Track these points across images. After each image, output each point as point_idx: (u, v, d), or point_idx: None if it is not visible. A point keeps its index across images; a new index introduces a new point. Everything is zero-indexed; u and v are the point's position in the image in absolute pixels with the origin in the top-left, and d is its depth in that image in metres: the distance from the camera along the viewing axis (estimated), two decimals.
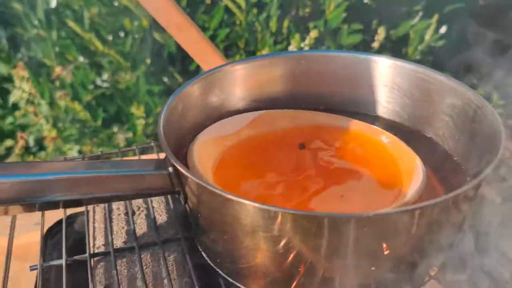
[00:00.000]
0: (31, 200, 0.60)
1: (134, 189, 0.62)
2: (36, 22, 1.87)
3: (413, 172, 0.65)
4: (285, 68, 0.80)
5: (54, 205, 0.61)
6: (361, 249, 0.53)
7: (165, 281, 0.67)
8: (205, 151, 0.68)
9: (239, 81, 0.78)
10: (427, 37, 2.00)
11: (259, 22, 1.91)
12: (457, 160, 0.70)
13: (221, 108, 0.78)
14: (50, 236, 0.82)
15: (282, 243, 0.54)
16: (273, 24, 1.90)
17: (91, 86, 1.98)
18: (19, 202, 0.59)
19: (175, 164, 0.57)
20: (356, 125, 0.74)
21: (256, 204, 0.51)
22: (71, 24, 1.82)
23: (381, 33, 1.93)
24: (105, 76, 2.03)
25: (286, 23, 1.91)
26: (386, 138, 0.71)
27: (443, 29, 2.02)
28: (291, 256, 0.55)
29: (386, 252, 0.54)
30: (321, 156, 0.69)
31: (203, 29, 1.79)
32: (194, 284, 0.66)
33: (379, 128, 0.74)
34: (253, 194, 0.63)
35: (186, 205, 0.64)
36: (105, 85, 2.03)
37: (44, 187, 0.59)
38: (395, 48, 2.05)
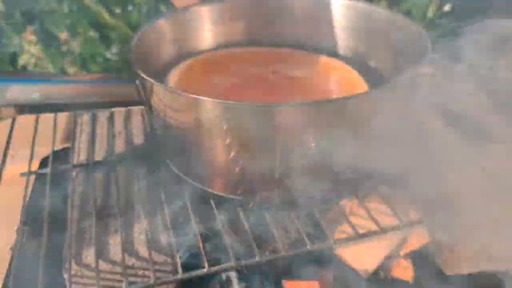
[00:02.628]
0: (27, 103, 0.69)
1: (108, 98, 0.71)
2: None
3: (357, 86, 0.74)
4: (249, 9, 0.88)
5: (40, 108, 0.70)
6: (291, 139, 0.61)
7: (135, 186, 0.76)
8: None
9: (205, 21, 0.87)
10: (430, 14, 2.06)
11: None
12: None
13: (189, 45, 0.86)
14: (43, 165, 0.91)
15: (232, 135, 0.62)
16: None
17: (100, 59, 2.07)
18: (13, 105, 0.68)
19: (140, 73, 0.66)
20: (310, 55, 0.83)
21: (207, 98, 0.59)
22: None
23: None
24: (114, 49, 2.12)
25: None
26: (335, 64, 0.80)
27: (447, 7, 2.08)
28: (238, 149, 0.63)
29: (314, 145, 0.62)
30: (279, 75, 0.78)
31: None
32: (159, 187, 0.75)
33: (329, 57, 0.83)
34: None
35: (152, 115, 0.73)
36: (114, 58, 2.12)
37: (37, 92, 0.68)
38: None
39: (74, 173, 0.80)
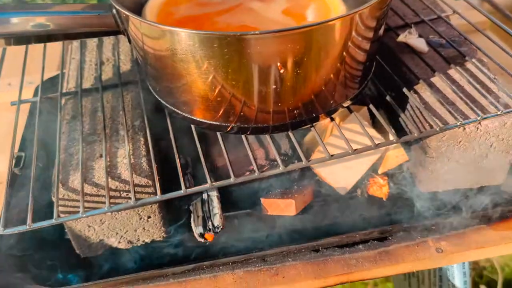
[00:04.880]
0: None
1: (86, 28, 0.72)
2: None
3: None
4: None
5: (26, 40, 0.72)
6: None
7: (120, 112, 0.79)
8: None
9: None
10: None
11: None
12: None
13: None
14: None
15: (202, 63, 0.64)
16: None
17: None
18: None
19: (115, 5, 0.66)
20: None
21: (177, 29, 0.60)
22: None
23: None
24: None
25: None
26: None
27: None
28: (215, 76, 0.65)
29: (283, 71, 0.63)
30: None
31: None
32: (144, 113, 0.78)
33: None
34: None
35: (131, 44, 0.74)
36: None
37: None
38: None
39: (63, 101, 0.83)
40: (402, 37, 0.87)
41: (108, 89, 0.84)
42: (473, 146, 0.75)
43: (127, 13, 0.65)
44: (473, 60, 0.83)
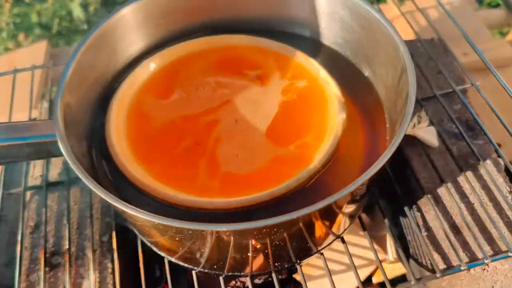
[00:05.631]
0: None
1: (33, 154, 0.61)
2: None
3: (329, 130, 0.61)
4: None
5: None
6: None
7: (88, 220, 0.71)
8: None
9: (134, 24, 0.68)
10: None
11: None
12: (384, 106, 0.65)
13: (125, 56, 0.70)
14: None
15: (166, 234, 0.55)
16: None
17: None
18: None
19: (72, 165, 0.54)
20: (282, 53, 0.69)
21: (144, 216, 0.49)
22: None
23: None
24: None
25: None
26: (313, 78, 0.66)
27: None
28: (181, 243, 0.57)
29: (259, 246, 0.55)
30: (236, 93, 0.65)
31: None
32: (113, 224, 0.70)
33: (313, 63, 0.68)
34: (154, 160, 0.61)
35: None
36: None
37: None
38: None
39: (27, 197, 0.76)
40: (410, 128, 0.75)
41: (76, 183, 0.76)
42: (478, 282, 0.67)
43: (89, 185, 0.53)
44: (487, 162, 0.73)
